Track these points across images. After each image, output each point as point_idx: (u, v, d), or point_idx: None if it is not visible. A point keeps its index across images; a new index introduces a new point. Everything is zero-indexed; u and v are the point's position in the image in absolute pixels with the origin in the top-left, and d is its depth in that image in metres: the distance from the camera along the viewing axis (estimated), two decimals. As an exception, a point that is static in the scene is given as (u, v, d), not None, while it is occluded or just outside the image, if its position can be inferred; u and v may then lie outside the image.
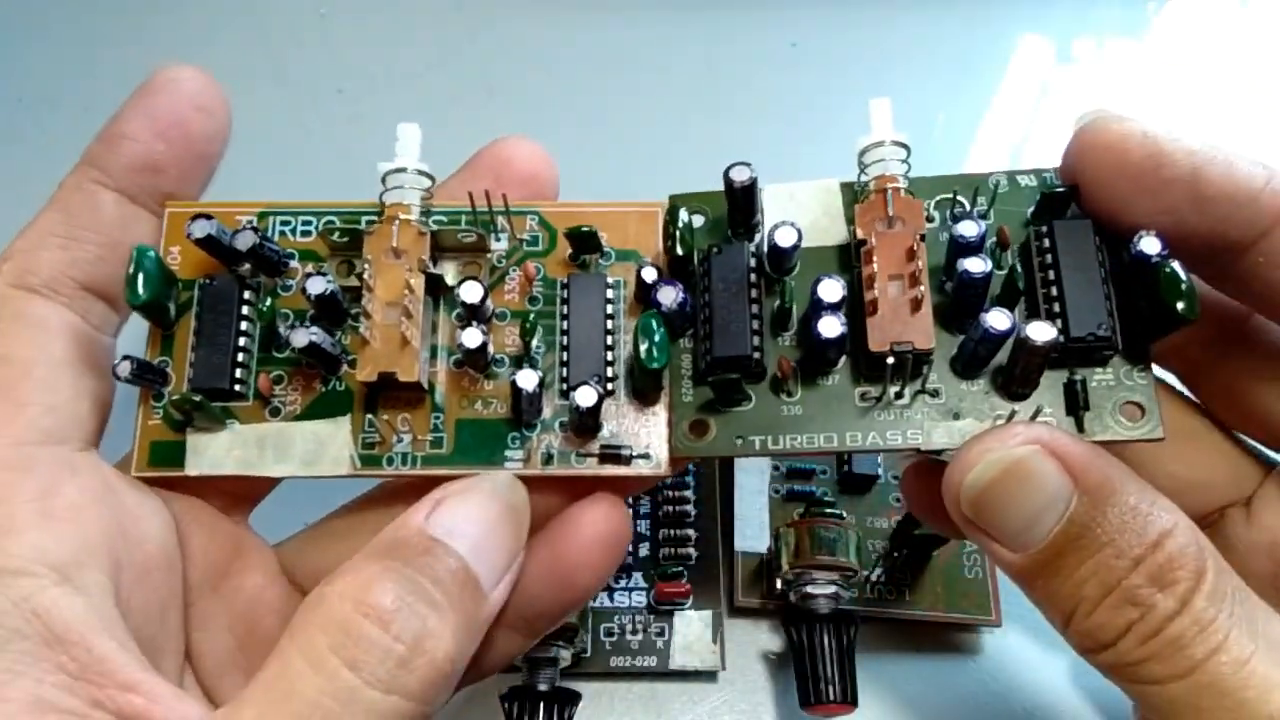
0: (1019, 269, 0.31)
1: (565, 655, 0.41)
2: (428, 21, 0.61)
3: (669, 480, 0.46)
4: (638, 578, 0.45)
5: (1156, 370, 0.30)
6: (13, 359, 0.28)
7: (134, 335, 0.32)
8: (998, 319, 0.28)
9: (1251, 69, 0.60)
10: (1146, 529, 0.26)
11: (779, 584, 0.42)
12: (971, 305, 0.30)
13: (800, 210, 0.32)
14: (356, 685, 0.25)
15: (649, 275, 0.32)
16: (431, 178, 0.32)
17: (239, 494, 0.34)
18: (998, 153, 0.57)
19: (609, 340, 0.32)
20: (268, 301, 0.32)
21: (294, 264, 0.33)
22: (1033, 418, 0.29)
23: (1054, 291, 0.30)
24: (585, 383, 0.30)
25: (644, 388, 0.31)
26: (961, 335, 0.30)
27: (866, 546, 0.44)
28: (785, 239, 0.30)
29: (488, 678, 0.33)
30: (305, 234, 0.33)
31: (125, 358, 0.29)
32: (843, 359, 0.31)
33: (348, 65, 0.59)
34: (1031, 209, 0.31)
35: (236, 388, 0.31)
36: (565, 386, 0.31)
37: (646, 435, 0.31)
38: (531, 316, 0.32)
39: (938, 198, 0.32)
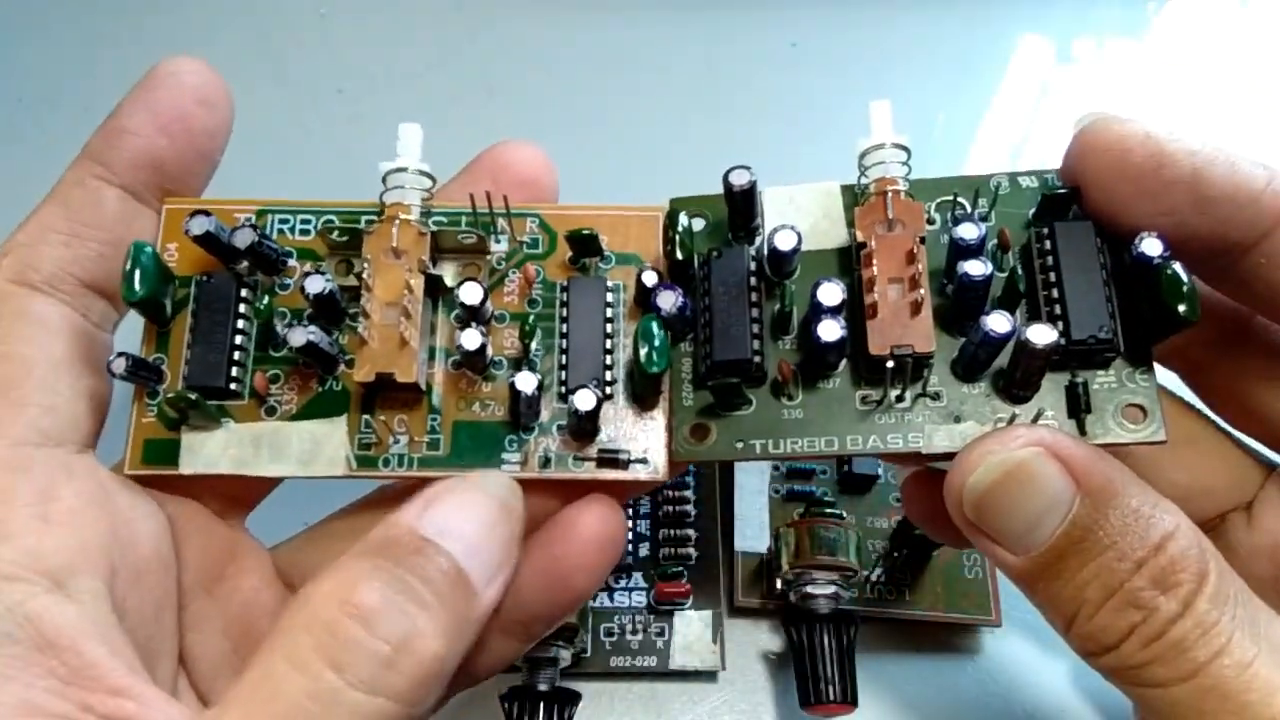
0: (1020, 271, 0.31)
1: (565, 655, 0.40)
2: (428, 21, 0.61)
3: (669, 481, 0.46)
4: (638, 578, 0.45)
5: (1158, 371, 0.30)
6: (13, 357, 0.28)
7: (130, 331, 0.32)
8: (998, 322, 0.28)
9: (1251, 69, 0.60)
10: (1149, 531, 0.26)
11: (779, 584, 0.42)
12: (972, 308, 0.30)
13: (800, 213, 0.32)
14: (340, 686, 0.24)
15: (649, 279, 0.32)
16: (432, 178, 0.32)
17: (235, 497, 0.33)
18: (998, 153, 0.57)
19: (608, 344, 0.32)
20: (265, 300, 0.32)
21: (292, 262, 0.33)
22: (1034, 420, 0.29)
23: (1055, 293, 0.29)
24: (584, 386, 0.30)
25: (643, 392, 0.31)
26: (962, 338, 0.30)
27: (866, 546, 0.44)
28: (785, 242, 0.30)
29: (484, 682, 0.33)
30: (304, 233, 0.33)
31: (120, 354, 0.29)
32: (843, 362, 0.31)
33: (348, 65, 0.59)
34: (1032, 211, 0.31)
35: (232, 386, 0.31)
36: (564, 389, 0.31)
37: (645, 440, 0.31)
38: (531, 319, 0.32)
39: (938, 200, 0.32)
